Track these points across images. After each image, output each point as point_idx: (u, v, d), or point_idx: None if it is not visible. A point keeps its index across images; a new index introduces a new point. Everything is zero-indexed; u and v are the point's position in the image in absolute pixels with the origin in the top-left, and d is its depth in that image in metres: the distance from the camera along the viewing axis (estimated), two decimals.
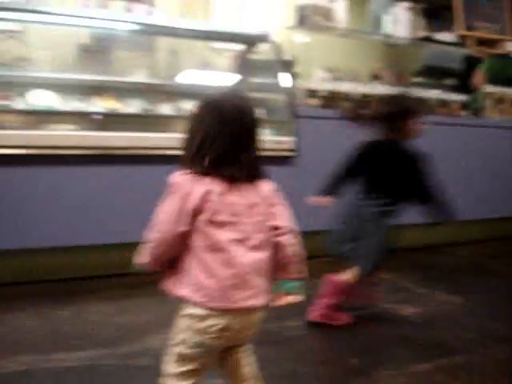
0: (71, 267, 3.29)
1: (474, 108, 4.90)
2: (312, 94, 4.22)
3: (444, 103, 4.31)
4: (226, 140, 1.45)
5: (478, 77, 5.93)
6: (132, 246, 1.64)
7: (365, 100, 4.36)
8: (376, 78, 4.96)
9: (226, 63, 4.47)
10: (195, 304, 1.44)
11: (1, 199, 3.05)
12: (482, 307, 3.23)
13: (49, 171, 3.16)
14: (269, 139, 3.58)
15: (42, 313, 2.79)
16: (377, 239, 2.71)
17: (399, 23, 4.68)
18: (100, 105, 3.89)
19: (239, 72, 4.32)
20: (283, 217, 1.56)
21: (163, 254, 1.48)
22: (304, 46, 4.44)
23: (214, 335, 1.45)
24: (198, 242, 1.44)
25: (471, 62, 7.04)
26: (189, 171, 1.45)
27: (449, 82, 6.29)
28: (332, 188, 2.75)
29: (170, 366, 1.54)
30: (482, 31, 4.86)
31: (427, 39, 4.81)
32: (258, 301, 1.48)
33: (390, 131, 2.78)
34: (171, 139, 3.16)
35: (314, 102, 4.18)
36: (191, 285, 1.44)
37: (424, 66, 5.78)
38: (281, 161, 3.73)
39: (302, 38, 4.43)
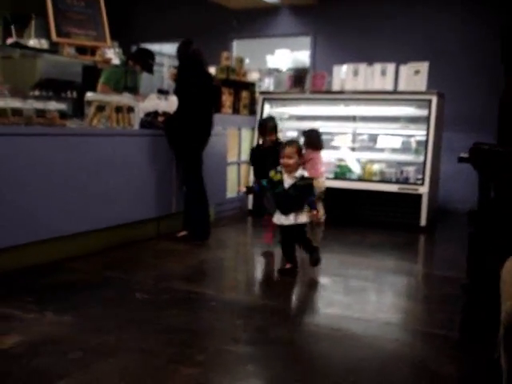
0: None
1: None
2: None
3: (43, 112, 4.03)
4: None
5: (100, 88, 5.90)
6: None
7: None
8: None
9: None
10: None
11: None
12: (91, 322, 3.08)
13: None
14: None
15: None
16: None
17: None
18: None
19: None
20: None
21: None
22: None
23: None
24: None
25: (91, 73, 7.01)
26: None
27: (69, 94, 6.12)
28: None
29: None
30: (77, 38, 4.76)
31: (18, 46, 4.49)
32: None
33: None
34: None
35: None
36: None
37: (42, 80, 5.47)
38: None
39: None
